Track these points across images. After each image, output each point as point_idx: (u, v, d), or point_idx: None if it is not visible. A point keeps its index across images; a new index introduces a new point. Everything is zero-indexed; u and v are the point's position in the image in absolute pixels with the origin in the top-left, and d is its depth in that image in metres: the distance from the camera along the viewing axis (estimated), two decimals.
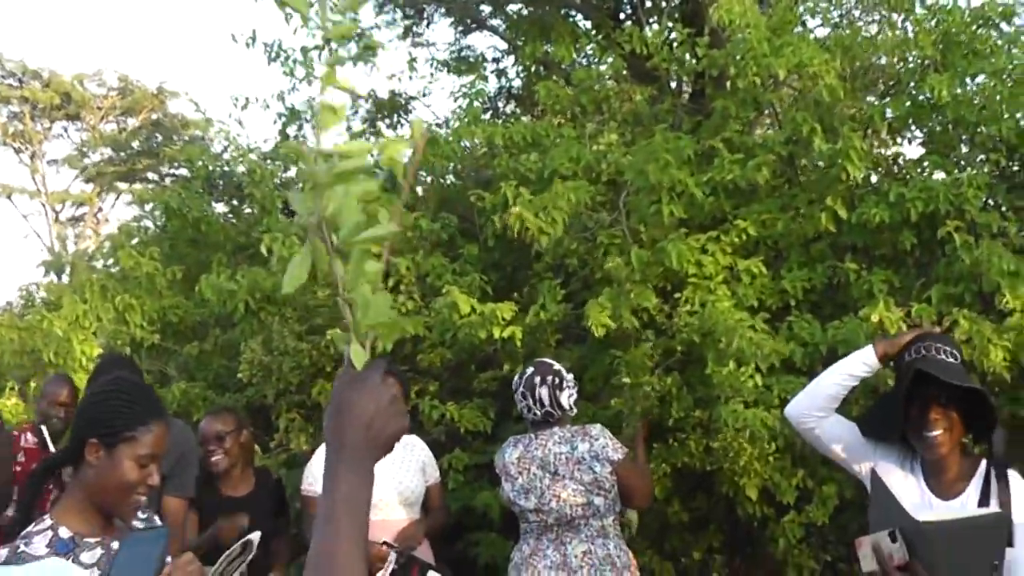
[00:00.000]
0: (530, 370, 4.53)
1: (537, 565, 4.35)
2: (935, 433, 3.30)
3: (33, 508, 2.89)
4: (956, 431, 3.32)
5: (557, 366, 4.58)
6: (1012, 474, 3.27)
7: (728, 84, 6.55)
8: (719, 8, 6.30)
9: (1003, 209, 5.81)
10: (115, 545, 2.70)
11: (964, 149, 6.53)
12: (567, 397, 4.49)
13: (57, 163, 31.27)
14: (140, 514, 2.90)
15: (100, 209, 31.94)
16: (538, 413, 4.46)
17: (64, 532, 2.63)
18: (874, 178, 6.44)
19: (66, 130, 31.60)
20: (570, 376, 4.58)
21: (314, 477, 4.75)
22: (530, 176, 6.68)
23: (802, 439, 5.52)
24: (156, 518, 3.02)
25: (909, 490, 3.42)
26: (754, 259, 5.87)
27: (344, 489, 1.53)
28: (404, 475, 4.73)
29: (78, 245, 30.64)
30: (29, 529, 2.62)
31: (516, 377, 4.62)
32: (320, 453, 4.80)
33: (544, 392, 4.44)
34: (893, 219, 5.67)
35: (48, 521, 2.63)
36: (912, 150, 7.70)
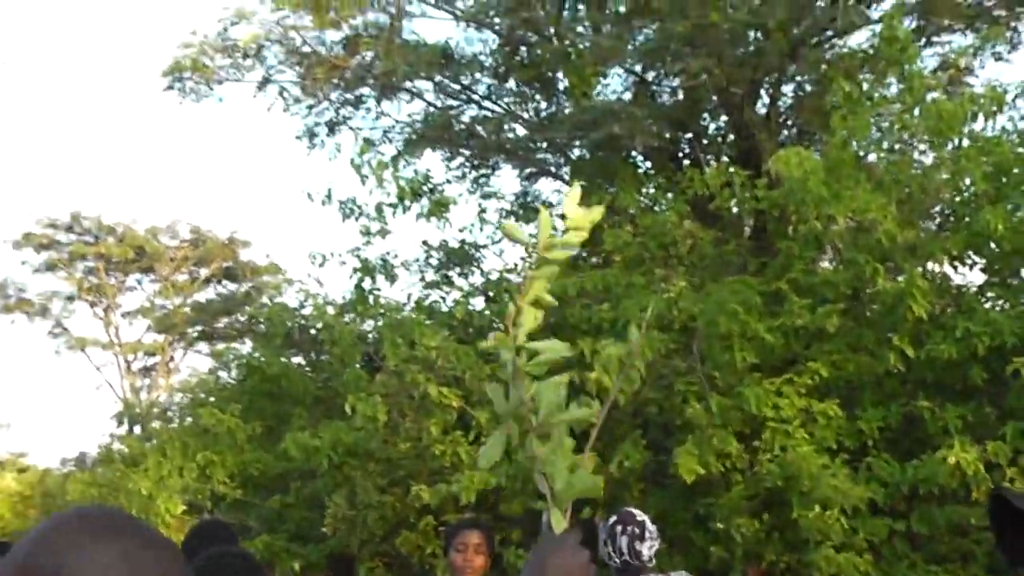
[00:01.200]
0: (614, 518, 4.61)
1: None
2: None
3: None
4: None
5: (641, 516, 4.64)
6: None
7: (790, 222, 6.70)
8: (776, 160, 6.49)
9: None
10: None
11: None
12: (648, 548, 4.54)
13: (130, 315, 31.92)
14: None
15: (172, 359, 32.44)
16: (617, 561, 4.52)
17: None
18: (938, 308, 6.49)
19: (139, 282, 32.34)
20: (653, 528, 4.64)
21: None
22: (603, 326, 6.82)
23: None
24: None
25: None
26: (829, 401, 5.94)
27: None
28: None
29: (150, 395, 31.07)
30: None
31: (601, 524, 4.69)
32: None
33: (624, 542, 4.50)
34: (960, 354, 5.74)
35: None
36: (975, 276, 7.70)
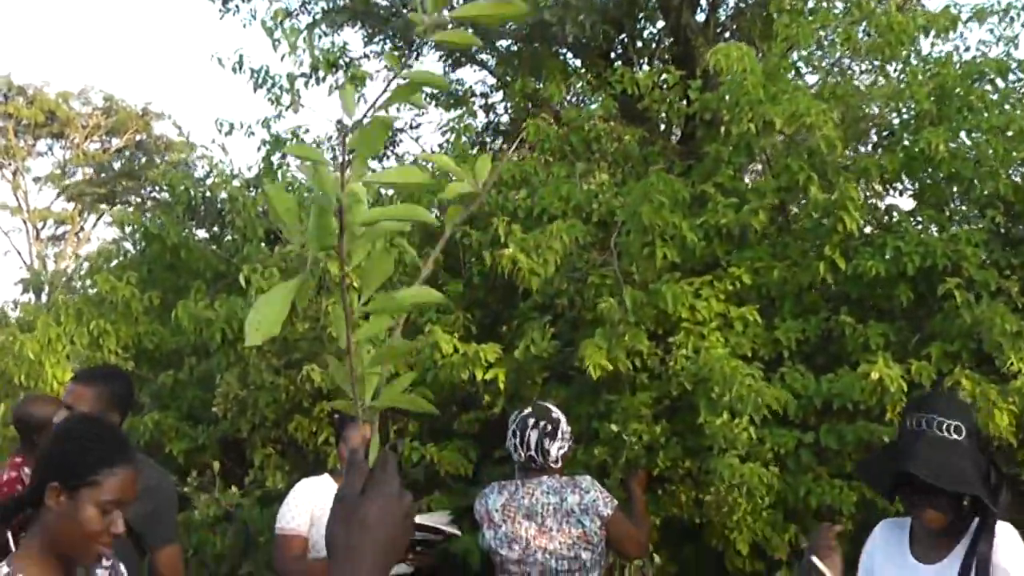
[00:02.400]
0: (528, 410, 4.35)
1: None
2: (927, 517, 3.14)
3: None
4: (951, 511, 3.13)
5: (557, 414, 4.38)
6: (1001, 525, 3.09)
7: (721, 128, 6.44)
8: (715, 53, 6.19)
9: (1001, 267, 5.68)
10: None
11: (958, 204, 6.45)
12: (556, 448, 4.30)
13: (40, 180, 31.05)
14: (104, 561, 2.71)
15: (81, 229, 31.70)
16: (522, 455, 4.28)
17: None
18: (867, 229, 6.32)
19: (51, 148, 31.43)
20: (567, 428, 4.40)
21: (292, 516, 4.54)
22: (519, 213, 6.54)
23: (793, 494, 5.42)
24: (121, 567, 2.82)
25: (891, 552, 3.28)
26: (748, 307, 5.74)
27: None
28: None
29: (58, 264, 30.36)
30: None
31: (512, 415, 4.43)
32: (300, 491, 4.62)
33: (533, 436, 4.26)
34: (889, 272, 5.57)
35: (5, 568, 2.45)
36: (904, 202, 7.60)
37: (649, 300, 5.64)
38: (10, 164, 31.09)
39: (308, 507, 4.48)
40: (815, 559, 3.01)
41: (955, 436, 3.09)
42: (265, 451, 6.79)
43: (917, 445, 3.08)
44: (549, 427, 4.28)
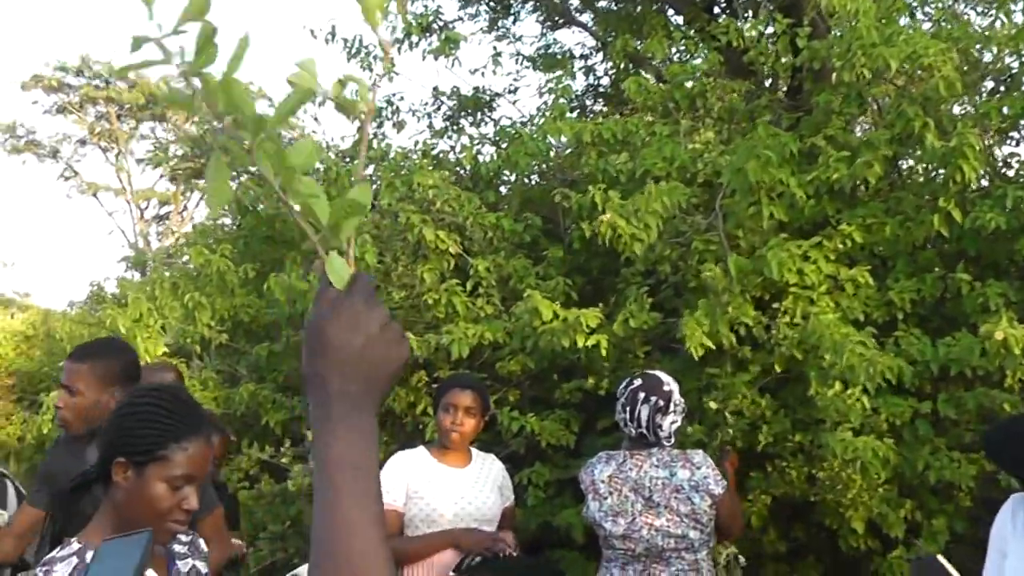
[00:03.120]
0: (637, 382, 4.06)
1: None
2: None
3: (64, 531, 2.55)
4: None
5: (669, 385, 4.10)
6: None
7: (833, 77, 6.12)
8: None
9: None
10: (150, 574, 2.38)
11: None
12: (669, 423, 4.04)
13: (143, 162, 31.57)
14: (182, 537, 2.57)
15: (184, 208, 32.17)
16: (632, 431, 4.04)
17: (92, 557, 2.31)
18: (983, 183, 5.97)
19: (153, 131, 31.93)
20: (680, 401, 4.13)
21: (385, 490, 4.36)
22: (620, 177, 6.29)
23: (910, 468, 5.13)
24: (201, 542, 2.68)
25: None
26: (859, 267, 5.43)
27: (338, 450, 1.16)
28: (479, 493, 4.38)
29: (161, 243, 30.87)
30: (53, 554, 2.31)
31: (621, 386, 4.16)
32: (393, 463, 4.45)
33: (644, 411, 4.00)
34: (1010, 225, 5.22)
35: (75, 545, 2.31)
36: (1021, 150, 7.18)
37: (754, 266, 5.36)
38: (113, 147, 31.67)
39: (403, 481, 4.31)
40: (941, 557, 2.73)
41: None
42: None
43: None
44: (661, 402, 4.02)
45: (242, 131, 1.12)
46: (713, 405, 5.34)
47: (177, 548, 2.54)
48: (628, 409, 4.00)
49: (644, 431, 3.98)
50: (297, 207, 1.17)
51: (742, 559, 4.73)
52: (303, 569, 2.60)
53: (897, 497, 5.28)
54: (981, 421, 5.24)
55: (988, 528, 5.57)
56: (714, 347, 5.24)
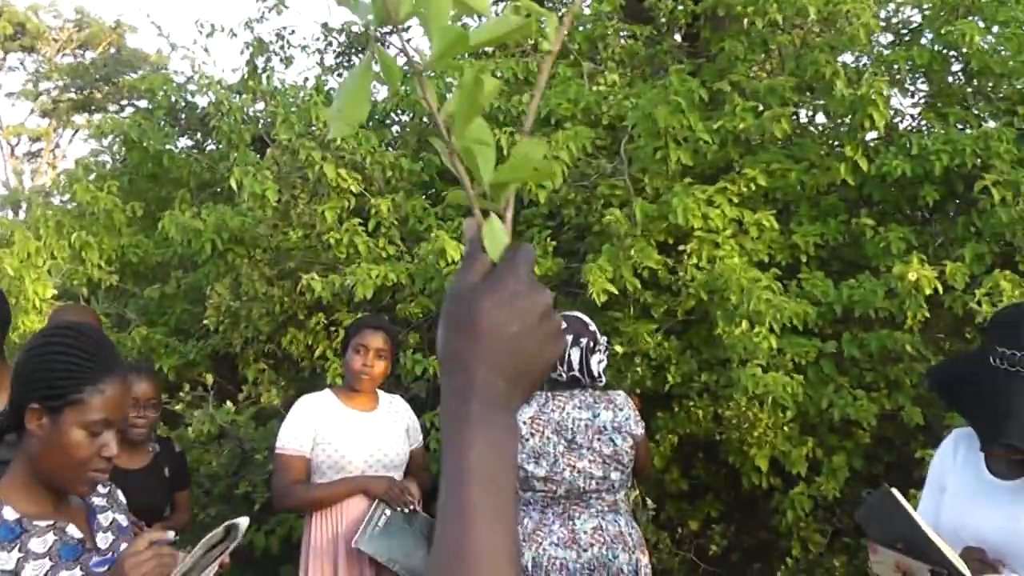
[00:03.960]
0: (563, 325, 4.01)
1: (543, 542, 3.90)
2: (1010, 456, 2.87)
3: None
4: None
5: (592, 326, 4.07)
6: None
7: (740, 24, 6.11)
8: None
9: None
10: (71, 530, 2.24)
11: (980, 103, 6.16)
12: (598, 363, 4.02)
13: (13, 96, 30.36)
14: (100, 489, 2.43)
15: (57, 145, 31.09)
16: (563, 376, 3.98)
17: (9, 514, 2.16)
18: (872, 135, 6.05)
19: (22, 63, 30.67)
20: (604, 339, 4.11)
21: (292, 435, 4.26)
22: (522, 118, 6.21)
23: (814, 407, 5.21)
24: (119, 494, 2.54)
25: (967, 466, 3.01)
26: (763, 211, 5.47)
27: (478, 452, 0.98)
28: (388, 438, 4.30)
29: (35, 181, 29.81)
30: None
31: None
32: (300, 408, 4.32)
33: (576, 354, 3.94)
34: (915, 172, 5.30)
35: None
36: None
37: (659, 211, 5.35)
38: None
39: (310, 426, 4.21)
40: (894, 490, 2.73)
41: None
42: (258, 366, 6.52)
43: (1013, 401, 2.77)
44: (590, 343, 3.98)
45: (439, 47, 0.95)
46: (619, 348, 5.33)
47: (96, 500, 2.41)
48: None
49: (577, 374, 3.95)
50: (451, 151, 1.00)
51: (650, 502, 4.76)
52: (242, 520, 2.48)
53: (799, 435, 5.36)
54: (883, 361, 5.34)
55: (883, 464, 5.75)
56: (617, 292, 5.22)
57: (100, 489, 2.42)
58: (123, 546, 2.33)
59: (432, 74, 1.00)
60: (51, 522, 2.21)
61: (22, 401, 2.19)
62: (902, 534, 2.70)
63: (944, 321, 5.58)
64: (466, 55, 6.51)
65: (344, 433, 4.19)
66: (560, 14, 1.09)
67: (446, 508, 0.98)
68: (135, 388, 4.26)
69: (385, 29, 0.98)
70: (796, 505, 5.37)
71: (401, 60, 1.04)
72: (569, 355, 3.93)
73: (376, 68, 0.99)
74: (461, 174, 1.00)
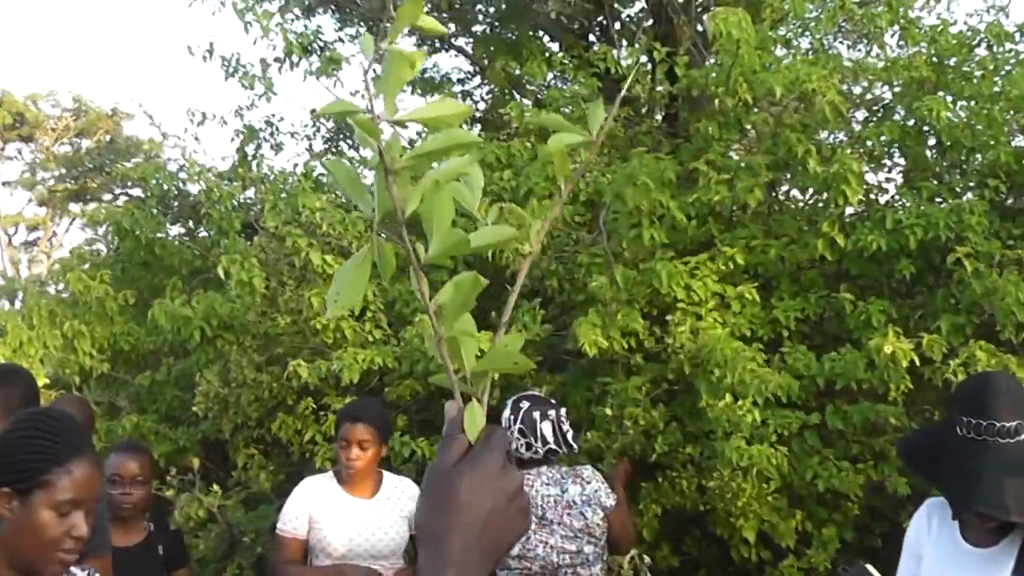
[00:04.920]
0: (525, 404, 4.05)
1: None
2: (985, 525, 2.91)
3: None
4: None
5: (552, 400, 4.17)
6: None
7: (713, 104, 6.25)
8: (713, 17, 5.96)
9: (1003, 239, 5.52)
10: None
11: (954, 176, 6.28)
12: (571, 435, 4.09)
13: (10, 185, 30.64)
14: (79, 572, 2.46)
15: (54, 234, 31.30)
16: (540, 451, 4.02)
17: None
18: (851, 210, 6.16)
19: (20, 152, 30.97)
20: (564, 410, 4.18)
21: (290, 517, 4.27)
22: (504, 196, 6.32)
23: (799, 478, 5.24)
24: None
25: (941, 534, 3.04)
26: (746, 285, 5.55)
27: None
28: (380, 526, 4.30)
29: (31, 270, 29.95)
30: None
31: (507, 412, 4.12)
32: (299, 491, 4.34)
33: (548, 428, 4.01)
34: (891, 247, 5.40)
35: None
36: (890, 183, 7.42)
37: (642, 278, 5.45)
38: None
39: (306, 509, 4.24)
40: (869, 567, 2.77)
41: (1019, 437, 2.85)
42: (248, 451, 6.55)
43: (982, 469, 2.82)
44: (557, 415, 4.06)
45: (437, 245, 1.07)
46: (609, 412, 5.39)
47: None
48: (529, 432, 4.00)
49: (553, 446, 4.00)
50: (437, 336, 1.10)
51: (647, 558, 4.77)
52: None
53: (787, 507, 5.39)
54: (867, 433, 5.39)
55: (874, 536, 5.75)
56: (607, 348, 5.30)
57: (79, 573, 2.45)
58: None
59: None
60: None
61: None
62: None
63: (929, 392, 5.63)
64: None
65: (334, 517, 4.22)
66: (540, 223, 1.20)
67: None
68: (122, 466, 4.35)
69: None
70: None
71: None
72: (540, 431, 3.99)
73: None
74: (446, 361, 1.10)
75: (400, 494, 4.40)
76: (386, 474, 4.40)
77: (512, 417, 4.05)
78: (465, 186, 1.15)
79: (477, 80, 10.47)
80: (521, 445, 4.03)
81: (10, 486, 2.21)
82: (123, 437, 6.67)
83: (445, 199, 1.07)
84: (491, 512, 1.10)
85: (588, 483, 4.01)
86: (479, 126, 10.41)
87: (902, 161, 6.54)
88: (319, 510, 4.21)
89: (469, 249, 1.08)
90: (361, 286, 1.11)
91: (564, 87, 8.35)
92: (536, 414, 4.01)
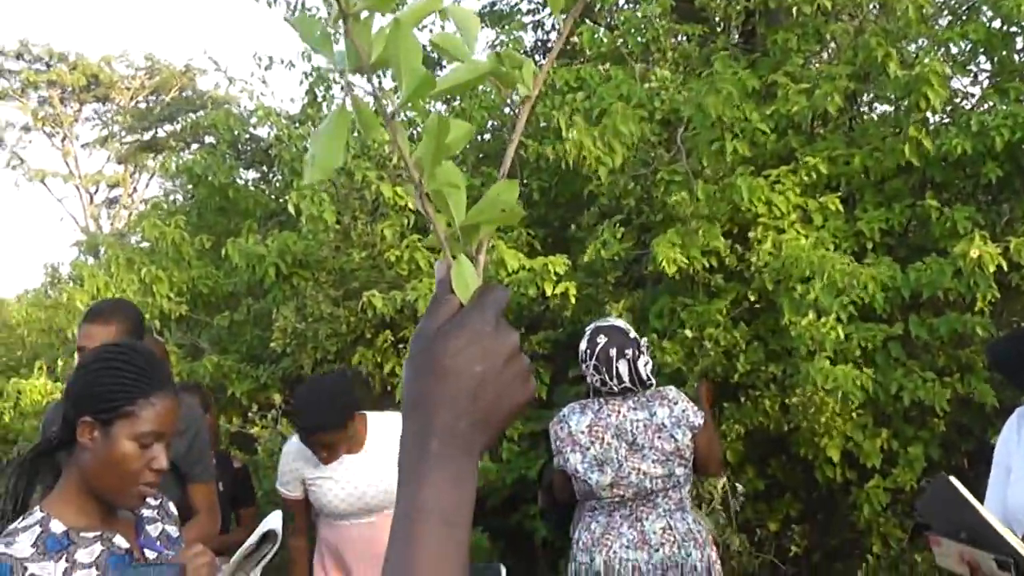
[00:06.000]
0: (602, 340, 3.89)
1: (612, 545, 3.83)
2: None
3: (25, 503, 2.40)
4: None
5: (631, 332, 3.99)
6: None
7: (791, 16, 6.06)
8: None
9: None
10: (118, 540, 2.26)
11: None
12: (645, 366, 3.95)
13: (89, 146, 31.09)
14: (151, 501, 2.44)
15: (134, 190, 31.74)
16: (615, 388, 3.91)
17: (57, 527, 2.17)
18: (934, 117, 5.94)
19: (97, 113, 31.39)
20: (644, 340, 4.04)
21: (283, 481, 4.09)
22: (576, 120, 6.18)
23: (884, 393, 5.10)
24: (171, 506, 2.55)
25: None
26: (829, 196, 5.38)
27: (427, 496, 0.94)
28: (369, 481, 4.00)
29: (113, 226, 30.43)
30: (15, 525, 2.18)
31: (583, 344, 3.97)
32: (283, 456, 4.14)
33: (623, 366, 3.87)
34: (976, 150, 5.19)
35: (38, 514, 2.18)
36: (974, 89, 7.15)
37: (723, 194, 5.30)
38: (58, 132, 31.14)
39: (295, 471, 4.07)
40: (953, 479, 2.64)
41: None
42: None
43: None
44: (634, 351, 3.90)
45: (406, 91, 0.94)
46: (688, 333, 5.28)
47: (146, 512, 2.42)
48: (604, 369, 3.88)
49: (628, 384, 3.88)
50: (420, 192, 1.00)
51: (740, 486, 4.68)
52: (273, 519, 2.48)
53: (872, 426, 5.25)
54: (953, 345, 5.22)
55: (961, 455, 5.60)
56: (687, 266, 5.19)
57: (151, 501, 2.43)
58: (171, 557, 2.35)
59: (404, 118, 1.00)
60: (98, 533, 2.23)
61: (74, 415, 2.22)
62: (964, 524, 2.61)
63: (1018, 302, 5.45)
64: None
65: (325, 477, 4.02)
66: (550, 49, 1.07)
67: (393, 544, 0.95)
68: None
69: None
70: (872, 499, 5.25)
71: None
72: (616, 369, 3.86)
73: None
74: (431, 217, 0.99)
75: (389, 440, 4.09)
76: (371, 418, 4.11)
77: (588, 351, 3.92)
78: (458, 35, 1.03)
79: (547, 10, 10.28)
80: (596, 380, 3.91)
81: (93, 416, 2.19)
82: (205, 377, 6.73)
83: (409, 40, 0.96)
84: (483, 377, 0.97)
85: (675, 404, 3.90)
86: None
87: (987, 67, 6.31)
88: (309, 472, 4.07)
89: (436, 89, 0.96)
90: (339, 148, 0.97)
91: (636, 8, 8.18)
92: (613, 351, 3.87)
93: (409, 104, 0.97)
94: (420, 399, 0.97)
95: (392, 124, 0.95)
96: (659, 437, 3.83)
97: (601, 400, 3.92)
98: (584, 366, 3.94)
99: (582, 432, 3.88)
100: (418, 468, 0.95)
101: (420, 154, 0.98)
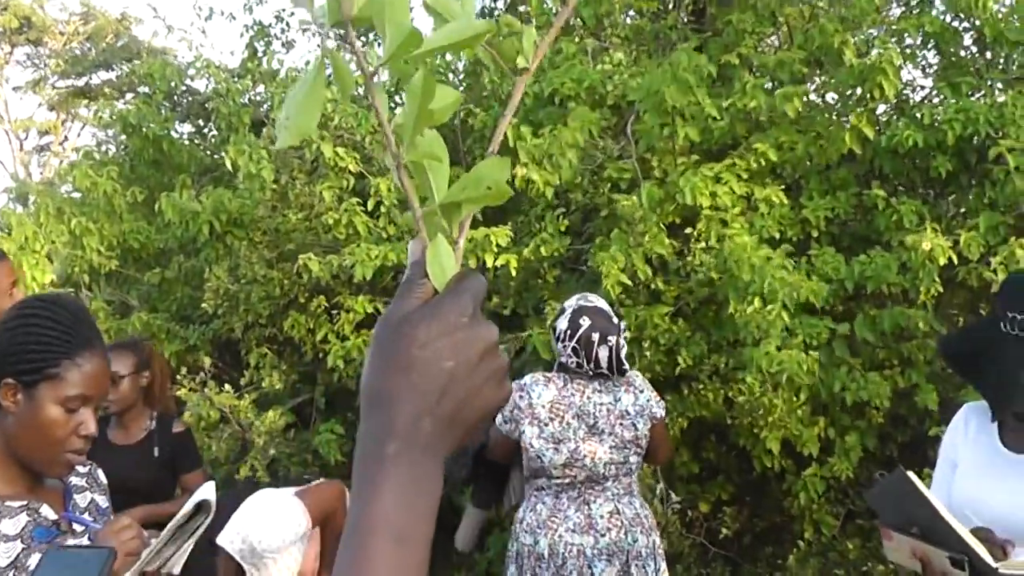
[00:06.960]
0: (585, 322, 3.74)
1: (558, 528, 3.75)
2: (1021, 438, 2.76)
3: None
4: None
5: (616, 318, 3.87)
6: None
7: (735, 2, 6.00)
8: None
9: None
10: (45, 511, 2.12)
11: (995, 71, 6.02)
12: (624, 353, 3.85)
13: (20, 90, 30.33)
14: (80, 469, 2.30)
15: (65, 138, 31.03)
16: (591, 372, 3.81)
17: None
18: (882, 108, 5.93)
19: (29, 57, 30.61)
20: (623, 324, 3.93)
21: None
22: (526, 100, 6.06)
23: (826, 389, 5.08)
24: (100, 473, 2.42)
25: (980, 439, 2.88)
26: (773, 187, 5.34)
27: (382, 507, 0.84)
28: None
29: (44, 175, 29.75)
30: None
31: (563, 322, 3.79)
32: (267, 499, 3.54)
33: (604, 353, 3.73)
34: (927, 143, 5.17)
35: None
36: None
37: (667, 193, 5.23)
38: None
39: None
40: (910, 473, 2.59)
41: None
42: (260, 351, 6.41)
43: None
44: (618, 340, 3.79)
45: (389, 47, 0.84)
46: (628, 334, 5.22)
47: (75, 480, 2.29)
48: (584, 353, 3.76)
49: (605, 371, 3.78)
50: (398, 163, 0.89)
51: (674, 496, 4.63)
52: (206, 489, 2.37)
53: (810, 415, 5.24)
54: (896, 339, 5.22)
55: (896, 445, 5.62)
56: (630, 283, 5.13)
57: (80, 469, 2.30)
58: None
59: (383, 79, 0.89)
60: (24, 502, 2.10)
61: None
62: (918, 519, 2.56)
63: (958, 297, 5.46)
64: None
65: None
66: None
67: (343, 559, 0.84)
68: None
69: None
70: (809, 487, 5.26)
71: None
72: (596, 354, 3.75)
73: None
74: (408, 191, 0.88)
75: None
76: None
77: (568, 332, 3.78)
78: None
79: None
80: (572, 362, 3.79)
81: (14, 378, 2.05)
82: (133, 335, 6.54)
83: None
84: (453, 372, 0.86)
85: (640, 392, 3.82)
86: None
87: (936, 60, 6.31)
88: None
89: (425, 47, 0.85)
90: (315, 109, 0.87)
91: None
92: (595, 336, 3.72)
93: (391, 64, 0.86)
94: (380, 394, 0.86)
95: (370, 84, 0.84)
96: (620, 424, 3.75)
97: (567, 376, 3.81)
98: (561, 345, 3.79)
99: (543, 407, 3.76)
100: (372, 472, 0.85)
101: (401, 120, 0.87)
